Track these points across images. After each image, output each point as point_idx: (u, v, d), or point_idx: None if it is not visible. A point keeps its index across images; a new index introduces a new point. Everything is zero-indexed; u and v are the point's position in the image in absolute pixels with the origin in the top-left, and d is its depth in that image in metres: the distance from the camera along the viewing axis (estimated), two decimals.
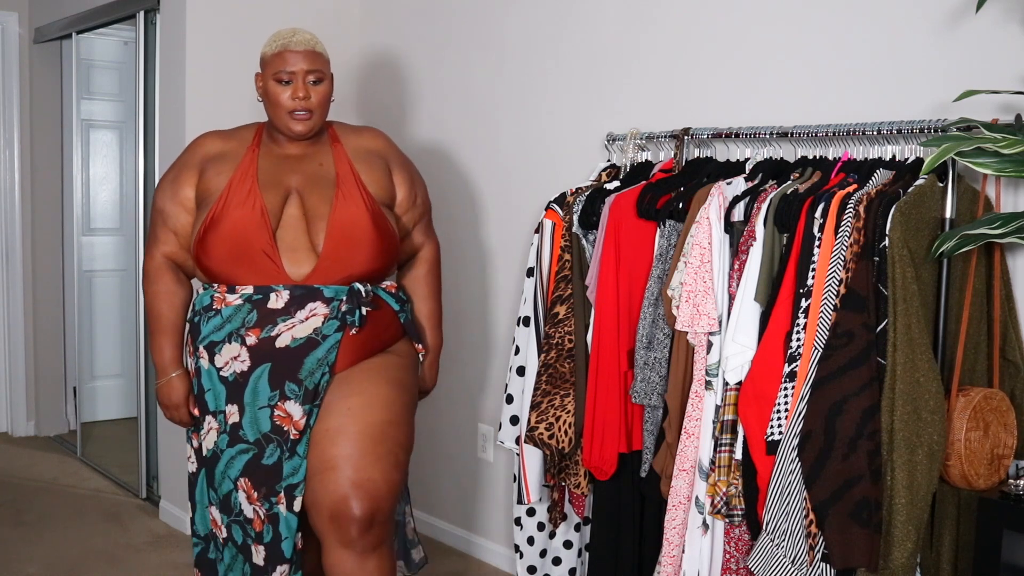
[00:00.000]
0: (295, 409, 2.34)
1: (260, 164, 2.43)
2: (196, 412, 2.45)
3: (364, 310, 2.37)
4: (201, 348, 2.41)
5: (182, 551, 3.66)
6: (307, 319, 2.34)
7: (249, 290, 2.36)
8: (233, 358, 2.37)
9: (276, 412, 2.35)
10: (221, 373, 2.38)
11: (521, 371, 2.80)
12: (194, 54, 3.73)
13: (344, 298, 2.35)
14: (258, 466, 2.36)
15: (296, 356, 2.34)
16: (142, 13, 4.06)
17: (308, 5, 3.95)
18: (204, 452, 2.44)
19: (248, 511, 2.38)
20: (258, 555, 2.38)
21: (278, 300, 2.34)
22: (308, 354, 2.34)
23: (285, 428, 2.35)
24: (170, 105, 3.84)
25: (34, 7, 5.04)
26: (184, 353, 2.51)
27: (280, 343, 2.34)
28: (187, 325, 2.50)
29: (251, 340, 2.35)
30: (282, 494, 2.34)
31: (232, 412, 2.38)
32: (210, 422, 2.41)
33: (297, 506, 2.34)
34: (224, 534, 2.44)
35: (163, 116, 3.91)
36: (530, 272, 2.80)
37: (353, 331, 2.36)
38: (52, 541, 3.73)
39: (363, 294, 2.37)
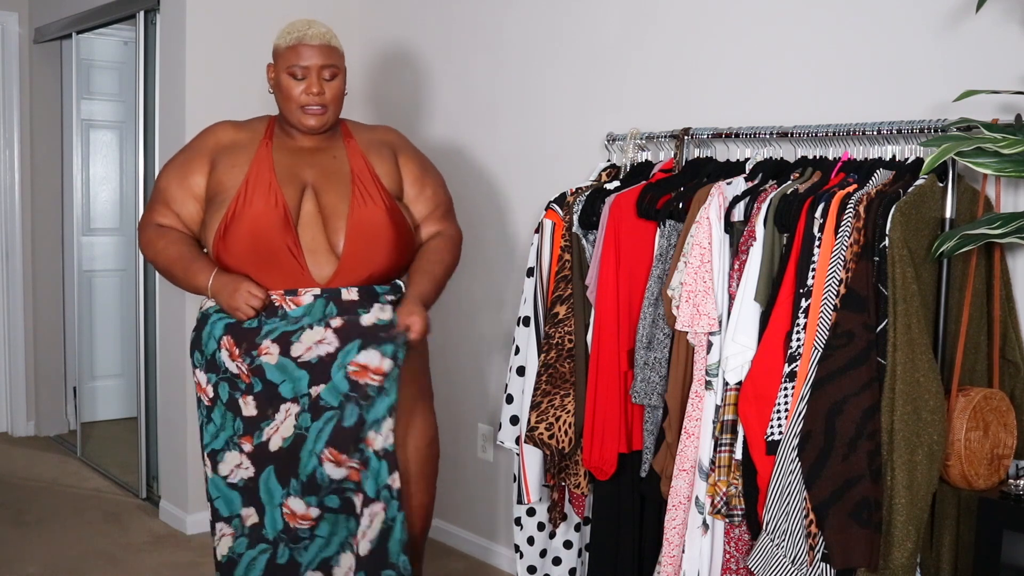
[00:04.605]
0: (371, 356, 2.34)
1: (275, 157, 2.39)
2: (253, 412, 2.37)
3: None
4: (266, 343, 2.33)
5: (182, 551, 3.66)
6: (381, 311, 2.38)
7: (318, 291, 2.34)
8: (317, 342, 2.34)
9: (351, 369, 2.35)
10: (300, 360, 2.34)
11: (521, 371, 2.80)
12: (194, 54, 3.73)
13: (391, 298, 2.42)
14: (340, 430, 2.36)
15: (385, 331, 2.36)
16: (142, 13, 4.06)
17: (308, 4, 3.95)
18: (278, 444, 2.37)
19: (338, 474, 2.38)
20: (359, 504, 2.40)
21: (351, 293, 2.36)
22: (396, 336, 2.36)
23: (362, 382, 2.34)
24: (170, 105, 3.84)
25: (34, 7, 5.04)
26: (219, 360, 2.39)
27: (366, 322, 2.35)
28: (222, 328, 2.38)
29: (337, 323, 2.35)
30: (369, 435, 2.35)
31: (318, 390, 2.36)
32: (288, 408, 2.36)
33: (379, 444, 2.35)
34: (315, 513, 2.41)
35: (163, 116, 3.92)
36: (530, 272, 2.80)
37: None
38: (52, 541, 3.73)
39: (403, 288, 2.46)
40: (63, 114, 5.10)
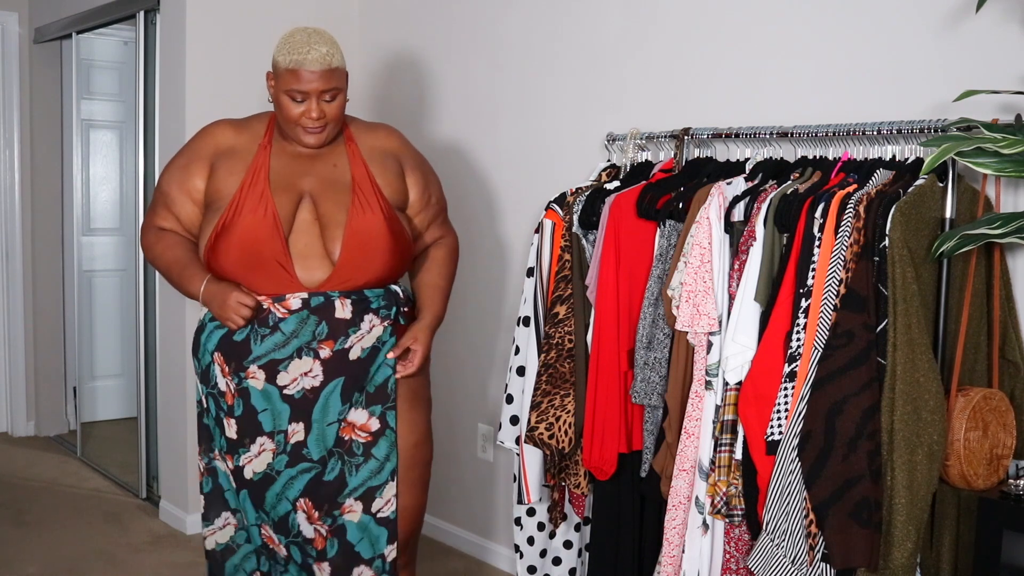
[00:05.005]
0: (359, 415, 2.35)
1: (272, 164, 2.37)
2: (234, 435, 2.36)
3: (404, 309, 2.43)
4: (253, 368, 2.32)
5: (182, 551, 3.66)
6: (371, 329, 2.36)
7: (305, 295, 2.31)
8: (303, 374, 2.32)
9: (343, 426, 2.35)
10: (285, 392, 2.32)
11: (521, 371, 2.80)
12: (194, 54, 3.73)
13: (384, 304, 2.38)
14: (319, 484, 2.35)
15: (365, 366, 2.35)
16: (142, 13, 4.06)
17: (309, 5, 3.95)
18: (250, 475, 2.36)
19: (308, 531, 2.37)
20: (322, 572, 2.38)
21: (344, 308, 2.32)
22: (372, 362, 2.36)
23: (347, 438, 2.35)
24: (170, 105, 3.84)
25: (34, 7, 5.04)
26: (212, 374, 2.39)
27: (353, 355, 2.34)
28: (215, 341, 2.38)
29: (325, 353, 2.32)
30: (347, 503, 2.34)
31: (296, 430, 2.34)
32: (263, 443, 2.34)
33: (378, 508, 2.35)
34: (284, 552, 2.41)
35: (163, 116, 3.92)
36: (530, 272, 2.80)
37: (390, 324, 2.39)
38: (52, 541, 3.73)
39: (400, 295, 2.43)
40: (63, 114, 5.10)
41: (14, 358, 5.15)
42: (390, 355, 2.37)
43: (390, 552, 2.36)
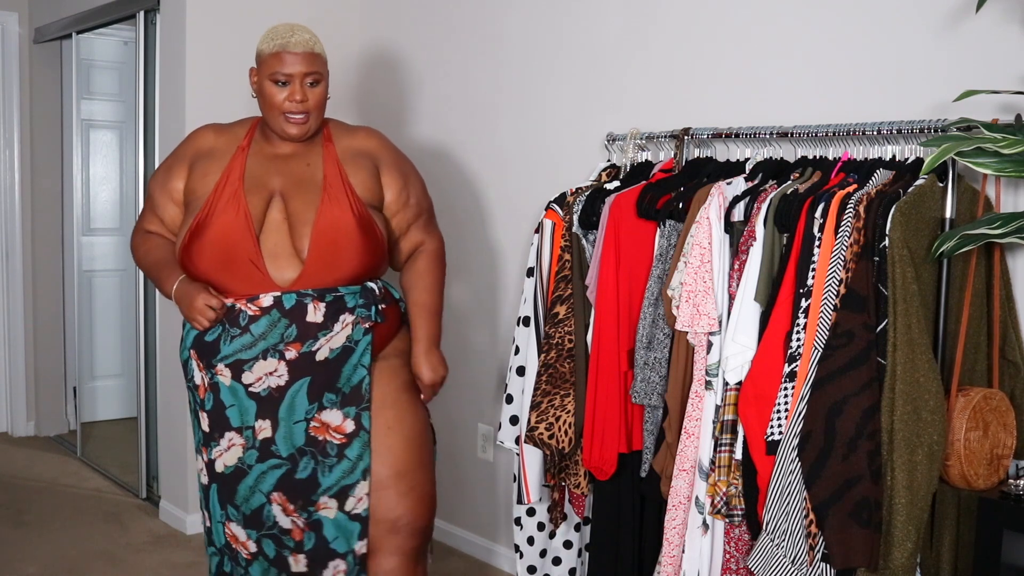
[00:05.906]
0: (334, 416, 2.34)
1: (248, 164, 2.39)
2: (207, 428, 2.38)
3: (381, 306, 2.40)
4: (220, 366, 2.34)
5: (182, 551, 3.66)
6: (343, 329, 2.34)
7: (278, 293, 2.30)
8: (268, 373, 2.32)
9: (312, 424, 2.34)
10: (251, 389, 2.33)
11: (521, 371, 2.80)
12: (194, 54, 3.73)
13: (362, 302, 2.36)
14: (291, 480, 2.35)
15: (334, 367, 2.34)
16: (142, 13, 4.06)
17: (308, 3, 3.95)
18: (221, 468, 2.38)
19: (285, 522, 2.37)
20: (298, 564, 2.38)
21: (316, 312, 2.31)
22: (345, 362, 2.35)
23: (321, 438, 2.34)
24: (170, 105, 3.84)
25: (34, 7, 5.04)
26: (190, 368, 2.43)
27: (320, 356, 2.33)
28: (191, 339, 2.41)
29: (291, 355, 2.32)
30: (322, 500, 2.34)
31: (263, 427, 2.34)
32: (232, 438, 2.36)
33: (351, 506, 2.34)
34: (253, 548, 2.40)
35: (163, 116, 3.92)
36: (530, 272, 2.80)
37: (367, 324, 2.37)
38: (52, 541, 3.73)
39: (376, 291, 2.40)
40: (63, 114, 5.10)
41: (14, 358, 5.15)
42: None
43: (360, 547, 2.36)
